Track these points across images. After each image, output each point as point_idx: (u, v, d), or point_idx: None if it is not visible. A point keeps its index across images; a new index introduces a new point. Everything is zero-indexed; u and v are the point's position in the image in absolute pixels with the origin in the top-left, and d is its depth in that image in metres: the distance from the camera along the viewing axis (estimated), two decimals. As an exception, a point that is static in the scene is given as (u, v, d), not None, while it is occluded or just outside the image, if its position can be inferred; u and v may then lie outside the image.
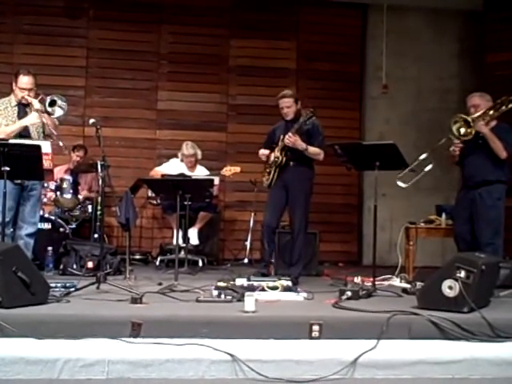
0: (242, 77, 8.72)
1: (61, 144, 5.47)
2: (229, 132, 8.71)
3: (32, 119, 5.53)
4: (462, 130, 5.34)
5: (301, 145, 5.88)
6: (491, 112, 5.44)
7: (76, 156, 7.72)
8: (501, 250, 5.45)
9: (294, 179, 5.99)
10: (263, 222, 6.20)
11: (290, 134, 5.85)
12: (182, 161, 7.53)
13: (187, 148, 7.47)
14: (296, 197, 6.00)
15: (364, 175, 8.60)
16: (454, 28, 9.08)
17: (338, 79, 8.77)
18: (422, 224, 6.45)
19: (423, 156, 5.54)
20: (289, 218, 6.18)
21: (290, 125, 6.03)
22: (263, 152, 6.11)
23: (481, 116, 5.39)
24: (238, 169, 7.29)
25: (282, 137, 5.98)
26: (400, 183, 5.55)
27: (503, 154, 5.42)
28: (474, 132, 5.32)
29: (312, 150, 5.96)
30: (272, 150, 6.11)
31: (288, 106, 6.03)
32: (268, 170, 6.09)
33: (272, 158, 6.06)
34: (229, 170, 7.33)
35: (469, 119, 5.33)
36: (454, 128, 5.35)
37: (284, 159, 5.96)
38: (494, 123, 5.52)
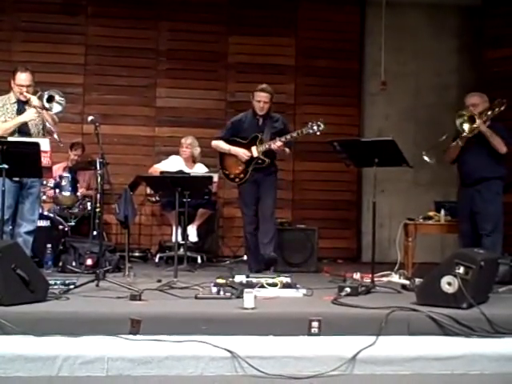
0: (241, 74, 8.70)
1: (61, 145, 5.51)
2: (227, 129, 8.69)
3: (29, 116, 5.52)
4: (466, 127, 5.37)
5: (285, 150, 6.10)
6: (489, 112, 5.51)
7: (74, 155, 7.72)
8: (499, 245, 5.46)
9: (265, 175, 6.14)
10: (246, 222, 6.26)
11: (279, 142, 5.95)
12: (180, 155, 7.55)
13: (186, 138, 7.53)
14: (267, 188, 6.14)
15: (363, 172, 8.59)
16: (453, 24, 9.08)
17: (336, 76, 8.76)
18: (421, 220, 6.45)
19: (429, 149, 5.57)
20: (260, 209, 6.19)
21: (261, 120, 6.12)
22: (246, 154, 6.11)
23: (482, 113, 5.44)
24: None
25: (259, 137, 6.07)
26: (426, 158, 5.55)
27: (503, 149, 5.49)
28: (477, 129, 5.34)
29: (287, 151, 6.19)
30: (235, 144, 6.16)
31: (266, 100, 6.08)
32: (242, 168, 6.14)
33: (246, 156, 6.10)
34: None
35: (475, 114, 5.37)
36: (458, 122, 5.38)
37: (268, 161, 6.06)
38: (488, 123, 5.60)
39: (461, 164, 5.73)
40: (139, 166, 7.94)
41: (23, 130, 5.58)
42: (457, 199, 5.90)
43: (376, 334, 3.75)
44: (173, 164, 7.42)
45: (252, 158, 6.09)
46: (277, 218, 6.50)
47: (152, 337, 3.65)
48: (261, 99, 6.07)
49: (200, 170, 7.45)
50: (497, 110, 5.56)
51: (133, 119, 8.57)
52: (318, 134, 5.94)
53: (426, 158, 5.59)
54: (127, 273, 5.77)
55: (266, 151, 6.05)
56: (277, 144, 5.96)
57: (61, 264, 6.20)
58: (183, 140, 7.57)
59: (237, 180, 6.21)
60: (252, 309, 3.96)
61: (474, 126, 5.36)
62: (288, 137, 5.98)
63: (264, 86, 6.14)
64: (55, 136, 5.47)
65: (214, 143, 6.35)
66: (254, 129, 6.13)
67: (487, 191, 5.56)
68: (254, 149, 6.08)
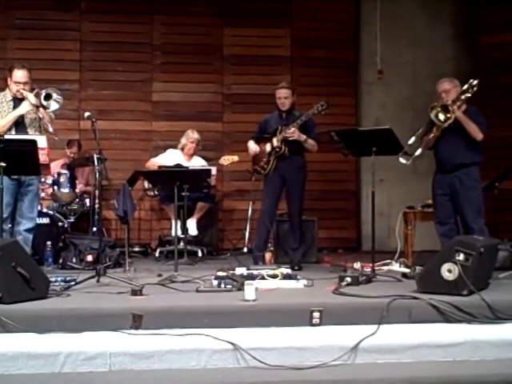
0: (237, 66, 8.69)
1: (56, 138, 5.49)
2: (225, 122, 8.69)
3: (24, 108, 5.50)
4: (442, 117, 5.34)
5: (301, 136, 6.09)
6: (463, 96, 5.45)
7: (70, 152, 7.70)
8: (486, 229, 5.45)
9: (291, 169, 6.20)
10: (262, 210, 6.35)
11: (292, 129, 6.03)
12: (182, 149, 7.51)
13: (193, 132, 7.50)
14: (294, 186, 6.22)
15: (361, 161, 8.59)
16: (448, 11, 9.03)
17: (332, 66, 8.74)
18: (420, 208, 6.46)
19: (411, 141, 5.52)
20: (287, 206, 6.33)
21: (285, 115, 6.24)
22: (255, 148, 6.23)
23: (454, 101, 5.40)
24: (235, 158, 7.33)
25: (280, 128, 6.16)
26: (402, 159, 5.52)
27: (479, 136, 5.44)
28: (453, 117, 5.31)
29: (310, 141, 6.17)
30: (263, 140, 6.26)
31: (286, 96, 6.22)
32: (265, 160, 6.19)
33: (268, 148, 6.19)
34: (227, 160, 7.34)
35: (447, 104, 5.33)
36: (432, 115, 5.34)
37: (286, 149, 6.11)
38: (464, 107, 5.52)
39: (438, 150, 5.62)
40: (137, 161, 7.91)
41: (20, 127, 5.58)
42: (432, 185, 5.83)
43: (377, 322, 3.77)
44: (170, 157, 7.40)
45: (272, 147, 6.17)
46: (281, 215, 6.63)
47: (154, 331, 3.66)
48: (281, 95, 6.22)
49: (197, 163, 7.43)
50: (470, 90, 5.46)
51: (129, 114, 8.55)
52: (323, 113, 6.04)
53: (401, 160, 5.54)
54: (128, 268, 5.77)
55: (288, 141, 6.11)
56: (290, 130, 6.03)
57: (61, 261, 6.20)
58: (190, 134, 7.47)
59: (262, 172, 6.30)
60: (253, 301, 3.97)
61: (449, 115, 5.31)
62: (299, 121, 6.06)
63: (283, 83, 6.35)
64: (50, 129, 5.46)
65: (247, 144, 6.46)
66: (279, 123, 6.24)
67: (467, 178, 5.49)
68: (274, 139, 6.17)
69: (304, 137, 6.11)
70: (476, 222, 5.41)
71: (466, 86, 5.48)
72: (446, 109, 5.32)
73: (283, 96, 6.20)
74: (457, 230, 5.57)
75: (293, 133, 6.04)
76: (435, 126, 5.44)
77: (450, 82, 5.59)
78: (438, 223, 5.68)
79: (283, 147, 6.13)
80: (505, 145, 7.62)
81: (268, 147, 6.22)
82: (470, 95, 5.48)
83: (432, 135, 5.50)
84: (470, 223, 5.42)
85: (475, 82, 5.46)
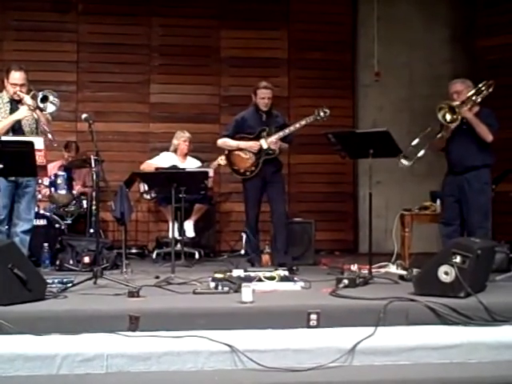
0: (234, 68, 8.69)
1: (55, 145, 5.49)
2: (222, 123, 8.65)
3: (22, 113, 5.49)
4: (448, 117, 5.35)
5: (283, 145, 6.21)
6: (474, 97, 5.47)
7: (67, 156, 7.69)
8: (490, 233, 5.47)
9: (272, 171, 6.23)
10: (248, 215, 6.32)
11: (274, 139, 6.09)
12: (175, 151, 7.51)
13: (183, 131, 7.53)
14: (277, 189, 6.24)
15: (358, 163, 8.60)
16: (445, 13, 9.05)
17: (329, 68, 8.75)
18: (417, 210, 6.47)
19: (415, 142, 5.54)
20: (271, 210, 6.30)
21: (265, 116, 6.23)
22: (257, 144, 6.17)
23: (464, 102, 5.42)
24: None
25: (267, 130, 6.17)
26: (403, 161, 5.53)
27: (489, 138, 5.46)
28: (459, 118, 5.32)
29: (286, 148, 6.35)
30: (242, 139, 6.25)
31: (270, 96, 6.22)
32: (252, 161, 6.21)
33: (255, 145, 6.18)
34: (225, 160, 7.33)
35: (453, 105, 5.34)
36: (440, 115, 5.36)
37: (278, 153, 6.16)
38: (476, 109, 5.55)
39: (449, 152, 5.67)
40: (134, 163, 7.89)
41: (17, 128, 5.56)
42: (442, 186, 5.85)
43: (374, 324, 3.77)
44: (165, 160, 7.40)
45: (261, 149, 6.16)
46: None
47: (151, 333, 3.65)
48: (265, 96, 6.18)
49: (192, 164, 7.43)
50: (484, 92, 5.50)
51: (127, 116, 8.55)
52: (325, 119, 6.11)
53: (403, 161, 5.55)
54: (125, 270, 5.77)
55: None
56: (273, 141, 6.08)
57: (58, 262, 6.19)
58: (181, 134, 7.51)
59: (247, 173, 6.25)
60: (250, 302, 3.97)
61: (455, 116, 5.33)
62: (297, 125, 6.12)
63: (265, 83, 6.26)
64: (49, 136, 5.46)
65: (221, 141, 6.44)
66: (259, 124, 6.23)
67: (476, 181, 5.52)
68: (262, 141, 6.15)
69: (285, 145, 6.22)
70: (483, 226, 5.45)
71: (473, 91, 5.50)
72: (453, 110, 5.34)
73: (268, 96, 6.17)
74: (461, 231, 5.58)
75: (275, 144, 6.09)
76: (443, 126, 5.45)
77: (462, 83, 5.60)
78: (442, 223, 5.71)
79: (276, 150, 6.14)
80: (503, 147, 7.62)
81: (255, 145, 6.18)
82: (481, 97, 5.50)
83: (440, 135, 5.51)
84: (476, 227, 5.44)
85: (484, 88, 5.49)
